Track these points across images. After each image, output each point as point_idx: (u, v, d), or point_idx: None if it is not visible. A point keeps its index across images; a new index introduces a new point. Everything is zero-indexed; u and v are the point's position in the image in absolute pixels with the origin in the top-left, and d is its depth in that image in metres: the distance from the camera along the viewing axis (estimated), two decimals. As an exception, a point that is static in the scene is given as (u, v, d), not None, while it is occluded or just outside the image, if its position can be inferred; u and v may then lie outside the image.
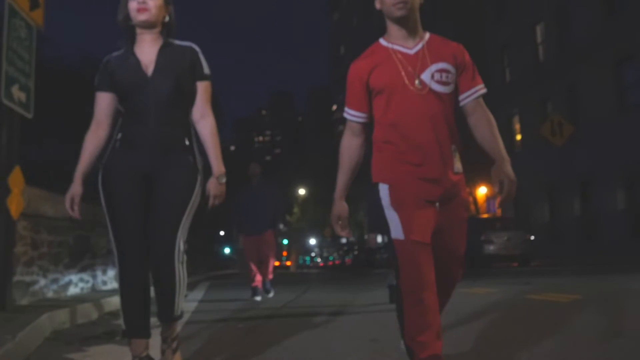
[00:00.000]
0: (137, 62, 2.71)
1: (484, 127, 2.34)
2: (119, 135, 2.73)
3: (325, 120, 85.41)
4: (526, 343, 3.28)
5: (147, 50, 2.73)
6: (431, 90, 2.23)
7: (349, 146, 2.40)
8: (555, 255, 18.31)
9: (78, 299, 6.04)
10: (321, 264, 65.83)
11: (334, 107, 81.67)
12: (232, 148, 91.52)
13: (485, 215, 24.01)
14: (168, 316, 2.72)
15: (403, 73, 2.24)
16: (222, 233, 44.43)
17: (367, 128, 2.40)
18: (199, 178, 2.76)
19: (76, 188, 2.69)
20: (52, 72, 14.57)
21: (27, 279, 5.65)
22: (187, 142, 2.75)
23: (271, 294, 7.73)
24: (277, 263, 9.96)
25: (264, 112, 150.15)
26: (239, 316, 5.51)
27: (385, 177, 2.28)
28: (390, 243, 2.26)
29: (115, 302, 6.16)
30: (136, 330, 2.71)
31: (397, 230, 2.21)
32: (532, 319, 4.42)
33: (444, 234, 2.25)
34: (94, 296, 6.58)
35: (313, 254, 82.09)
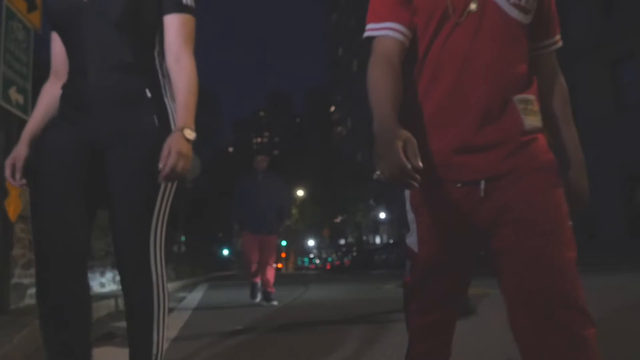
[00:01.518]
0: None
1: (559, 98, 1.63)
2: (59, 94, 2.00)
3: (324, 122, 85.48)
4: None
5: None
6: (503, 18, 1.50)
7: (383, 73, 1.48)
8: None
9: (76, 301, 6.02)
10: (320, 265, 65.82)
11: (332, 108, 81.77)
12: (231, 149, 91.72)
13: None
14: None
15: None
16: (220, 235, 44.49)
17: (405, 56, 1.54)
18: None
19: (20, 150, 2.00)
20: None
21: (25, 281, 5.63)
22: (148, 94, 1.91)
23: (274, 303, 6.98)
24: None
25: (262, 113, 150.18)
26: (237, 321, 5.50)
27: None
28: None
29: (113, 304, 6.16)
30: None
31: (412, 239, 1.66)
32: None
33: (514, 230, 1.43)
34: (92, 298, 6.57)
35: (312, 255, 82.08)
